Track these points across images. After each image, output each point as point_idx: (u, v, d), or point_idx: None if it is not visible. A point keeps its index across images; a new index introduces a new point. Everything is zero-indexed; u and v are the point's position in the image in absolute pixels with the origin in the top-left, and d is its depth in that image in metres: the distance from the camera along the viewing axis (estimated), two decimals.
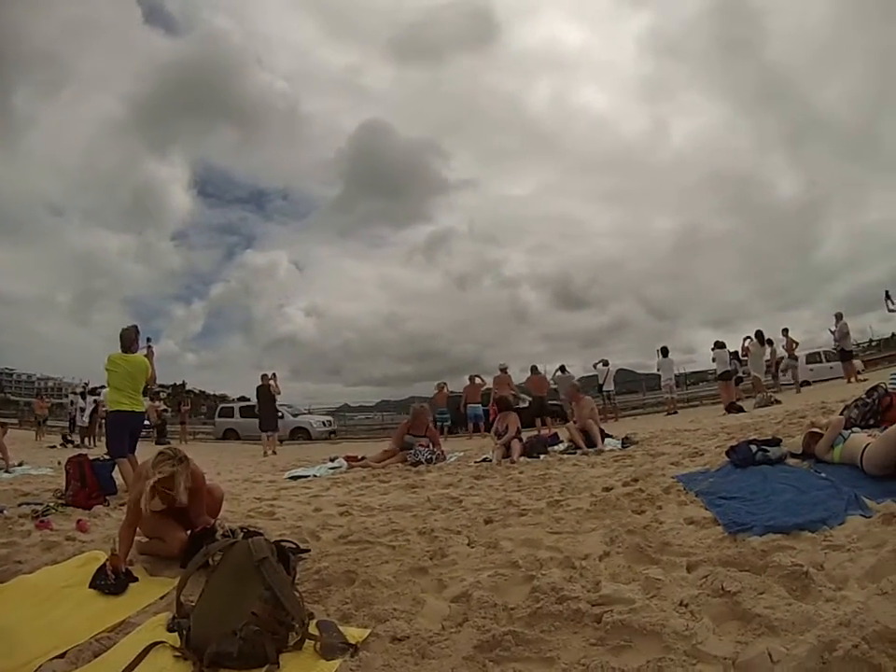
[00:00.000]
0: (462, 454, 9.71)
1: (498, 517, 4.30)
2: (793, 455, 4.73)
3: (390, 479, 7.29)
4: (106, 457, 6.37)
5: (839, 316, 16.56)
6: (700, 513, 3.71)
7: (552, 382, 17.44)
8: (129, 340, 6.54)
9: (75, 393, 22.64)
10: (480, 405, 16.29)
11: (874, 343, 32.06)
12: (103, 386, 14.80)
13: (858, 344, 24.71)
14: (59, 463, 8.41)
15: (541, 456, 8.16)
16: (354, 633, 2.35)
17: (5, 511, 4.97)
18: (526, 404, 15.71)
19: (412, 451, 8.78)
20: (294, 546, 3.30)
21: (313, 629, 2.37)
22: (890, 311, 14.84)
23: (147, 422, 13.68)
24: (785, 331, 18.82)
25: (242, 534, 3.11)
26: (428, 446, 9.00)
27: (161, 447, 3.85)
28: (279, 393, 15.46)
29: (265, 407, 15.01)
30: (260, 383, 14.97)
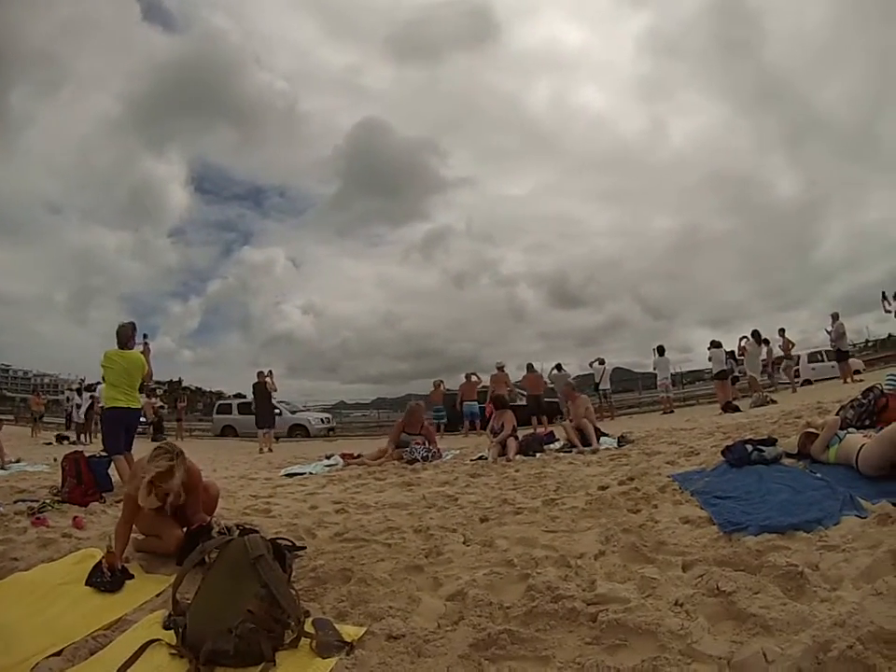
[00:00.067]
0: (458, 451, 9.71)
1: (494, 515, 4.31)
2: (789, 455, 4.74)
3: (386, 476, 7.29)
4: (103, 454, 6.37)
5: (835, 317, 16.59)
6: (695, 513, 3.72)
7: (548, 380, 17.45)
8: (125, 336, 6.54)
9: (71, 389, 22.62)
10: (476, 403, 16.30)
11: (870, 344, 32.17)
12: (98, 383, 14.78)
13: (854, 345, 24.82)
14: (55, 460, 8.41)
15: (537, 455, 8.17)
16: (349, 631, 2.35)
17: (1, 508, 4.96)
18: (523, 402, 15.74)
19: (407, 449, 8.79)
20: (290, 544, 3.30)
21: (308, 627, 2.37)
22: (887, 311, 14.86)
23: (143, 419, 13.68)
24: (782, 331, 18.87)
25: (238, 531, 3.11)
26: (424, 444, 9.00)
27: (157, 443, 3.86)
28: (275, 390, 15.46)
29: (261, 404, 15.00)
30: (257, 380, 14.97)
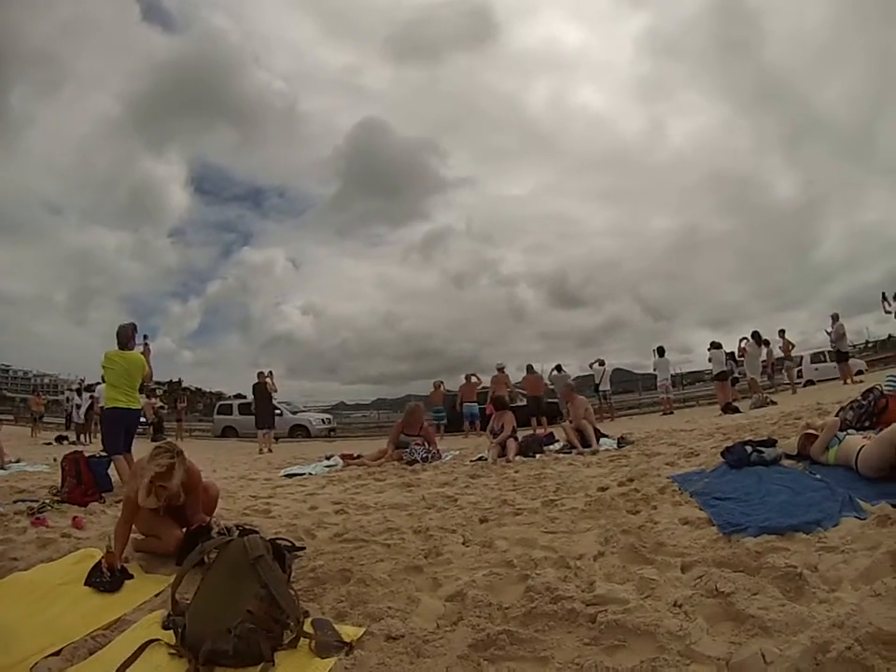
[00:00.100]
0: (458, 452, 9.72)
1: (493, 516, 4.31)
2: (788, 457, 4.74)
3: (386, 477, 7.29)
4: (102, 454, 6.37)
5: (835, 318, 16.61)
6: (695, 514, 3.72)
7: (548, 381, 17.45)
8: (126, 337, 6.55)
9: (71, 390, 22.61)
10: (476, 404, 16.31)
11: (870, 345, 32.17)
12: (98, 383, 14.79)
13: (854, 346, 24.81)
14: (55, 460, 8.40)
15: (537, 456, 8.17)
16: (349, 631, 2.35)
17: (1, 508, 4.96)
18: (524, 403, 15.75)
19: (407, 450, 8.79)
20: (289, 544, 3.30)
21: (308, 627, 2.37)
22: (887, 312, 14.86)
23: (143, 419, 13.68)
24: (782, 332, 18.86)
25: (237, 532, 3.11)
26: (424, 445, 9.00)
27: (157, 443, 3.86)
28: (275, 391, 15.46)
29: (261, 405, 15.01)
30: (257, 380, 14.97)
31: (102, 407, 10.62)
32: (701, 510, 3.79)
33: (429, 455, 8.70)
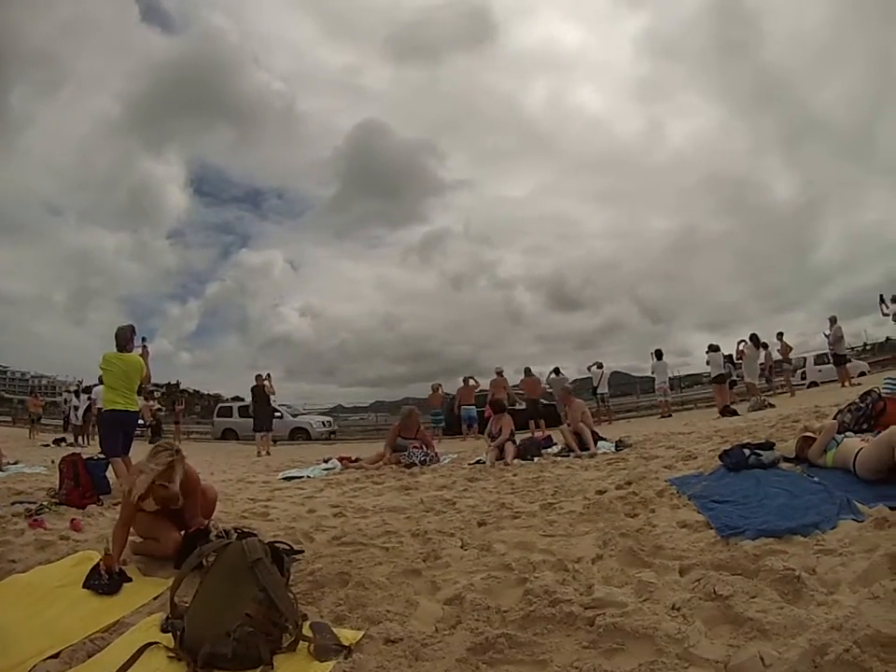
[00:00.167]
0: (456, 455, 9.72)
1: (492, 520, 4.31)
2: (786, 460, 4.75)
3: (384, 480, 7.28)
4: (100, 456, 6.36)
5: (833, 320, 16.63)
6: (693, 517, 3.72)
7: (546, 384, 17.45)
8: (124, 339, 6.54)
9: (69, 391, 22.58)
10: (474, 407, 16.31)
11: (868, 347, 32.18)
12: (95, 385, 14.77)
13: (853, 348, 24.81)
14: (52, 462, 8.39)
15: (535, 459, 8.18)
16: (347, 634, 2.35)
17: None
18: (524, 406, 15.75)
19: (405, 453, 8.79)
20: (288, 547, 3.31)
21: (306, 631, 2.37)
22: (885, 315, 14.90)
23: (141, 421, 13.65)
24: (780, 335, 18.89)
25: (236, 535, 3.11)
26: (422, 448, 9.00)
27: (156, 443, 3.87)
28: (273, 393, 15.44)
29: (260, 407, 14.98)
30: (255, 383, 14.96)
31: (99, 409, 10.60)
32: (699, 513, 3.79)
33: (427, 459, 8.70)
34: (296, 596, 2.66)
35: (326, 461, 9.45)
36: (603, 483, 5.49)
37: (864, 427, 5.06)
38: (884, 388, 5.33)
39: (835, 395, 11.99)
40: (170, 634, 2.39)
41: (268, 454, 14.12)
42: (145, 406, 16.68)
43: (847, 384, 15.53)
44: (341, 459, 9.33)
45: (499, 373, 16.27)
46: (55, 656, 2.33)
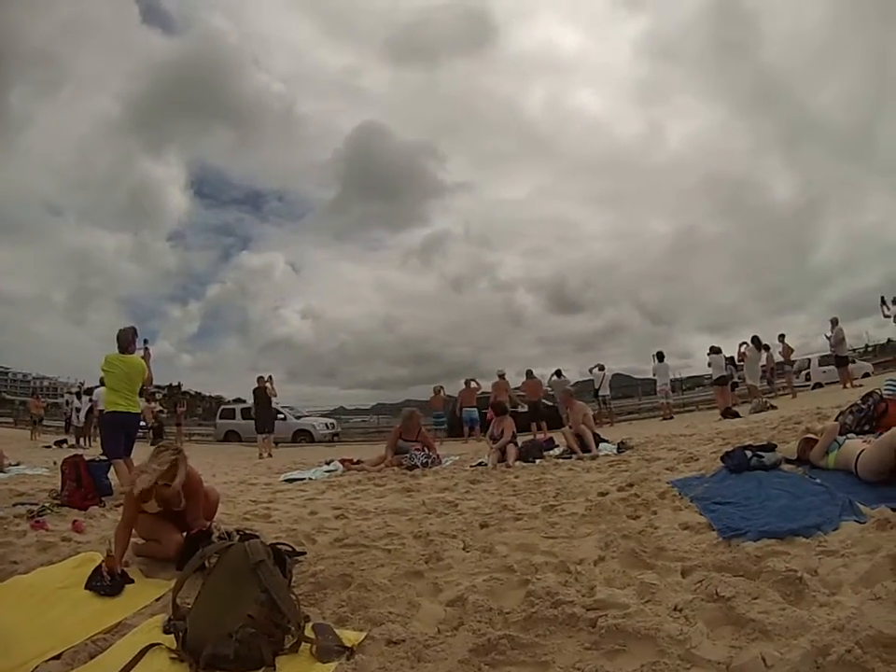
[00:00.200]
0: (458, 457, 9.71)
1: (494, 521, 4.31)
2: (788, 461, 4.75)
3: (386, 482, 7.29)
4: (103, 458, 6.36)
5: (835, 322, 16.63)
6: (695, 518, 3.72)
7: (547, 387, 17.45)
8: (126, 341, 6.54)
9: (70, 393, 22.57)
10: (475, 409, 16.31)
11: (870, 349, 32.14)
12: (96, 386, 14.78)
13: (854, 350, 24.79)
14: (54, 463, 8.39)
15: (537, 461, 8.17)
16: (349, 636, 2.35)
17: (0, 511, 4.95)
18: (526, 409, 15.74)
19: (407, 455, 8.79)
20: (290, 549, 3.31)
21: (309, 632, 2.38)
22: (886, 316, 14.89)
23: (143, 423, 13.66)
24: (781, 337, 18.87)
25: (238, 536, 3.12)
26: (423, 450, 9.00)
27: (158, 445, 3.89)
28: (275, 395, 15.44)
29: (261, 409, 14.99)
30: (256, 385, 14.96)
31: (101, 411, 10.60)
32: (701, 514, 3.79)
33: (429, 461, 8.69)
34: (298, 598, 2.66)
35: (328, 463, 9.45)
36: (605, 484, 5.49)
37: (866, 428, 5.05)
38: (886, 390, 5.32)
39: (837, 396, 11.98)
40: (172, 635, 2.39)
41: (269, 455, 14.11)
42: (146, 408, 16.68)
43: (848, 385, 15.52)
44: (342, 461, 9.33)
45: (501, 376, 16.27)
46: (57, 657, 2.33)
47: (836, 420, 5.28)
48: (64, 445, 16.70)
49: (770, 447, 5.03)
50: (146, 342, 7.44)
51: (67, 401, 22.15)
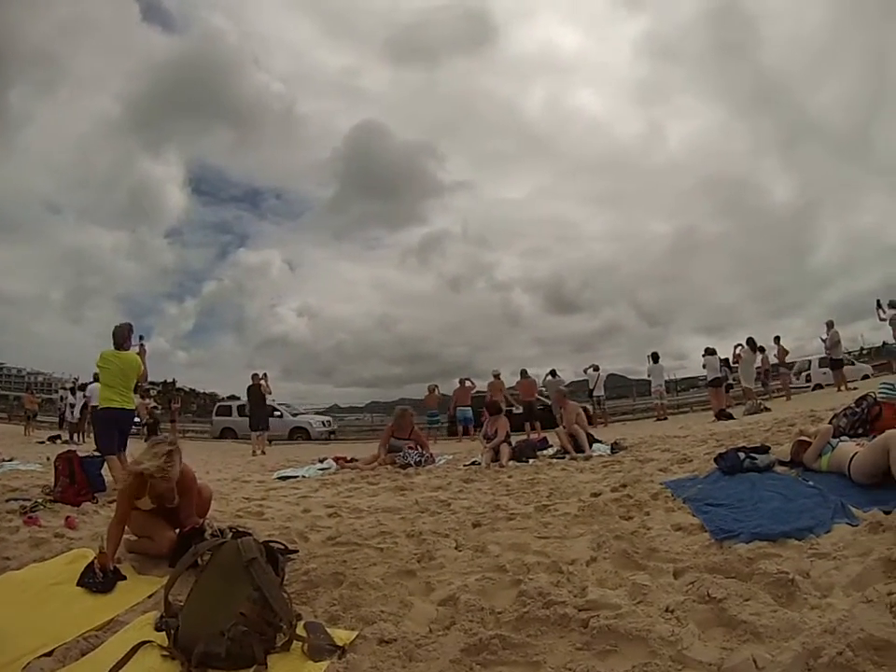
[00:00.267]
0: (451, 456, 9.70)
1: (487, 521, 4.31)
2: (781, 463, 4.75)
3: (379, 481, 7.29)
4: (96, 454, 6.35)
5: (830, 324, 16.66)
6: (687, 520, 3.73)
7: (542, 387, 17.46)
8: (122, 337, 6.53)
9: (65, 388, 22.48)
10: (470, 408, 16.31)
11: (865, 352, 32.17)
12: (91, 382, 14.74)
13: (850, 353, 24.85)
14: (48, 459, 8.36)
15: (530, 461, 8.17)
16: (341, 635, 2.35)
17: None
18: (521, 410, 15.74)
19: (400, 453, 8.79)
20: (283, 547, 3.31)
21: (300, 630, 2.37)
22: (882, 319, 14.93)
23: (137, 419, 13.63)
24: (777, 339, 18.94)
25: (231, 534, 3.12)
26: (416, 448, 9.01)
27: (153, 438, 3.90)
28: (270, 393, 15.43)
29: (255, 406, 14.98)
30: (251, 382, 14.94)
31: (94, 406, 10.57)
32: (694, 516, 3.80)
33: (423, 459, 8.70)
34: (290, 596, 2.66)
35: (321, 461, 9.43)
36: (598, 485, 5.50)
37: (860, 431, 5.07)
38: (880, 393, 5.34)
39: (832, 399, 12.01)
40: (164, 632, 2.39)
41: (263, 453, 14.11)
42: (141, 404, 16.62)
43: (843, 388, 15.56)
44: (336, 459, 9.31)
45: (496, 376, 16.26)
46: (49, 654, 2.33)
47: (830, 423, 5.29)
48: (58, 441, 16.63)
49: (763, 449, 5.04)
50: (141, 338, 7.43)
51: (61, 397, 22.06)
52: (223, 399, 28.83)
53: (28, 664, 2.24)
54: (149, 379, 8.47)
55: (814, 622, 2.02)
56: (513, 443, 8.88)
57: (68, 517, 4.63)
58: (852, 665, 1.70)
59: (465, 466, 8.22)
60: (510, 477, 6.79)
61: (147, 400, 20.02)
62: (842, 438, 4.56)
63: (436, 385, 18.31)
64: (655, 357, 18.06)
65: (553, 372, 17.75)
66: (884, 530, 2.87)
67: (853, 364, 22.88)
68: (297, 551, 3.60)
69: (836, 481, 3.99)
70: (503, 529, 4.05)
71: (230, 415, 24.23)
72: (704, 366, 16.06)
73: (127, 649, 2.26)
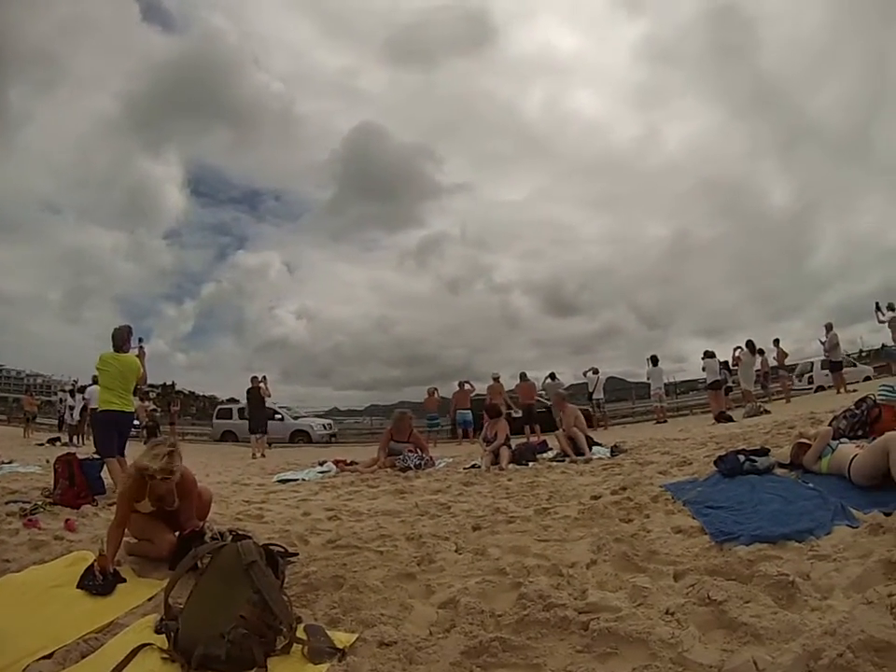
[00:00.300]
0: (451, 460, 9.70)
1: (486, 524, 4.31)
2: (781, 466, 4.75)
3: (379, 484, 7.27)
4: (95, 457, 6.34)
5: (829, 327, 16.65)
6: (687, 522, 3.73)
7: (541, 389, 17.45)
8: (121, 339, 6.53)
9: (64, 391, 22.48)
10: (469, 411, 16.29)
11: (864, 354, 32.18)
12: (90, 384, 14.73)
13: (849, 355, 24.85)
14: (47, 461, 8.36)
15: (530, 464, 8.16)
16: (341, 637, 2.35)
17: None
18: (520, 414, 15.72)
19: (400, 456, 8.78)
20: (283, 550, 3.31)
21: (300, 633, 2.38)
22: (881, 322, 14.95)
23: (136, 422, 13.62)
24: (776, 342, 18.94)
25: (231, 537, 3.12)
26: (416, 451, 9.00)
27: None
28: (269, 395, 15.41)
29: (255, 409, 14.96)
30: (251, 385, 14.93)
31: (93, 409, 10.56)
32: (694, 518, 3.80)
33: (422, 462, 8.68)
34: (290, 599, 2.66)
35: (321, 464, 9.42)
36: (598, 488, 5.49)
37: (859, 433, 5.07)
38: (879, 395, 5.34)
39: (831, 401, 12.01)
40: (164, 635, 2.39)
41: (263, 456, 14.08)
42: (140, 407, 16.62)
43: (843, 390, 15.56)
44: (336, 462, 9.31)
45: (496, 379, 16.23)
46: (49, 656, 2.33)
47: (830, 425, 5.30)
48: (57, 443, 16.61)
49: (763, 451, 5.03)
50: (140, 340, 7.45)
51: (61, 399, 22.06)
52: (223, 401, 28.81)
53: (28, 666, 2.24)
54: (149, 381, 8.48)
55: (814, 623, 2.02)
56: (513, 446, 8.86)
57: (68, 520, 4.62)
58: (853, 667, 1.70)
59: (465, 469, 8.21)
60: (509, 480, 6.78)
61: (147, 403, 20.00)
62: (842, 440, 4.56)
63: (435, 388, 18.30)
64: (654, 360, 18.05)
65: (552, 375, 17.75)
66: (884, 532, 2.87)
67: (855, 366, 22.92)
68: (297, 554, 3.60)
69: (836, 483, 3.99)
70: (503, 532, 4.04)
71: (230, 418, 24.16)
72: (703, 368, 16.05)
73: (127, 651, 2.26)
